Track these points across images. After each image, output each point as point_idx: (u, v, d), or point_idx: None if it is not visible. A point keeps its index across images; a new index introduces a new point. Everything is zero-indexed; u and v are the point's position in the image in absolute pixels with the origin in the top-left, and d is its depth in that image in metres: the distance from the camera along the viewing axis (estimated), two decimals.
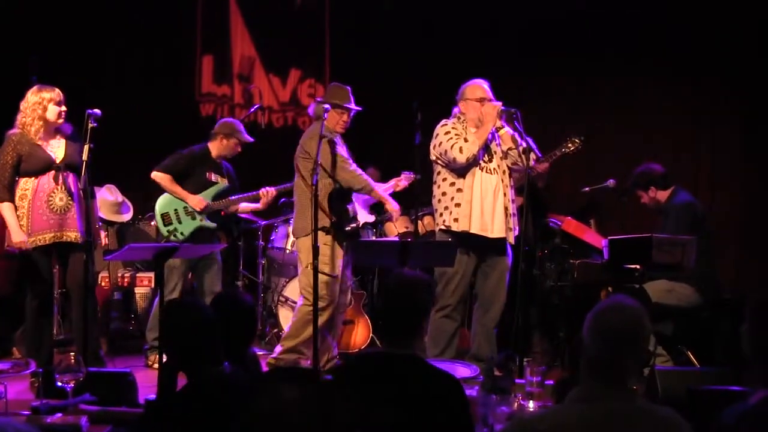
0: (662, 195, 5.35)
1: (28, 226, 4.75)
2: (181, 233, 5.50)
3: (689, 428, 2.11)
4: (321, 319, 5.00)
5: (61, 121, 4.85)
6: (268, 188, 5.59)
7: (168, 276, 5.52)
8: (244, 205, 5.72)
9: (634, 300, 2.24)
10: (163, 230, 5.49)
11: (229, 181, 5.70)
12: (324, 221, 4.96)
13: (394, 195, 5.62)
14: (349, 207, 5.12)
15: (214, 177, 5.62)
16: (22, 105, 4.81)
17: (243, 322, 3.13)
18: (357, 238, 5.26)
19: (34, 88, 4.83)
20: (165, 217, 5.52)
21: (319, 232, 4.93)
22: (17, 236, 4.73)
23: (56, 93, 4.82)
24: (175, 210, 5.54)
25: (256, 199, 5.64)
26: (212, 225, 5.62)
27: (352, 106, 5.16)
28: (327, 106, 5.00)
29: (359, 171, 5.06)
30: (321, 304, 4.98)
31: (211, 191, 5.59)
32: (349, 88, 5.24)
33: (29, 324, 4.90)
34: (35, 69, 5.73)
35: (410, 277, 2.90)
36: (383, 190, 5.41)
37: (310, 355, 5.13)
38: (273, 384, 1.68)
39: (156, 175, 5.52)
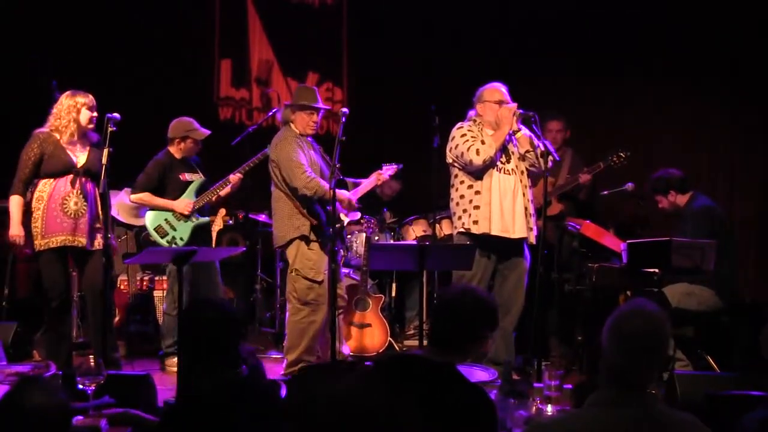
0: (681, 199, 5.32)
1: (42, 227, 4.80)
2: (181, 238, 5.50)
3: None
4: (314, 326, 5.01)
5: (91, 126, 4.92)
6: (234, 175, 5.60)
7: (172, 282, 5.56)
8: (225, 189, 5.68)
9: (654, 304, 2.22)
10: (163, 242, 5.48)
11: (203, 173, 5.67)
12: (305, 226, 4.97)
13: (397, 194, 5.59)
14: (329, 209, 5.07)
15: (188, 176, 5.59)
16: (56, 108, 4.87)
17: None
18: (341, 239, 5.23)
19: (68, 92, 4.89)
20: (159, 230, 5.50)
21: (302, 239, 4.95)
22: (14, 229, 4.78)
23: (90, 99, 4.90)
24: (166, 220, 5.51)
25: (227, 184, 5.62)
26: (206, 219, 5.63)
27: (321, 105, 5.13)
28: (345, 110, 5.00)
29: (311, 176, 4.92)
30: (308, 309, 4.99)
31: (192, 190, 5.57)
32: (315, 87, 5.23)
33: (48, 325, 4.95)
34: (47, 72, 5.76)
35: (483, 295, 2.83)
36: (363, 186, 5.36)
37: (313, 361, 5.12)
38: (344, 373, 1.70)
39: (135, 198, 5.52)
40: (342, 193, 5.09)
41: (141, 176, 5.53)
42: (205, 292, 5.50)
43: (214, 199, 5.68)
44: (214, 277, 5.60)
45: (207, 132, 5.61)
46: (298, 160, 4.91)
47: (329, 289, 4.70)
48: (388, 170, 5.43)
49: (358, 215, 5.43)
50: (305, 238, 4.98)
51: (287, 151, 4.97)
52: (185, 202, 5.52)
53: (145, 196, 5.50)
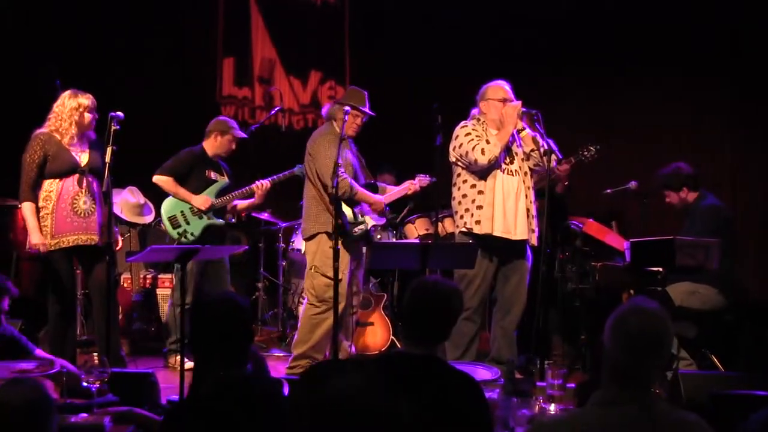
0: (692, 196, 5.29)
1: (51, 227, 4.79)
2: (191, 234, 5.52)
3: None
4: (327, 324, 5.01)
5: (92, 128, 4.93)
6: (261, 181, 5.59)
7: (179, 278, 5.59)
8: (242, 202, 5.71)
9: (655, 303, 2.22)
10: (173, 233, 5.50)
11: (228, 178, 5.72)
12: (329, 223, 4.96)
13: (411, 197, 5.61)
14: (356, 210, 5.10)
15: (213, 175, 5.64)
16: (57, 108, 4.85)
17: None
18: (364, 241, 5.24)
19: (69, 92, 4.87)
20: (172, 220, 5.53)
21: (326, 235, 4.97)
22: (36, 237, 4.75)
23: (91, 100, 4.89)
24: (182, 212, 5.54)
25: (252, 194, 5.63)
26: (220, 222, 5.64)
27: (367, 110, 5.14)
28: (347, 108, 5.01)
29: (343, 176, 4.94)
30: (324, 306, 5.00)
31: (213, 189, 5.61)
32: (366, 92, 5.23)
33: (52, 325, 4.95)
34: (54, 73, 5.78)
35: (444, 282, 2.89)
36: (395, 192, 5.37)
37: (320, 359, 5.13)
38: (335, 372, 1.69)
39: (158, 179, 5.54)
40: (374, 197, 5.12)
41: (171, 161, 5.57)
42: (213, 286, 5.55)
43: (230, 205, 5.70)
44: (224, 275, 5.64)
45: (244, 135, 5.71)
46: (334, 157, 4.91)
47: (334, 290, 4.69)
48: (421, 181, 5.42)
49: (384, 220, 5.43)
50: (328, 235, 4.97)
51: (325, 147, 4.98)
52: (204, 198, 5.56)
53: (169, 182, 5.54)
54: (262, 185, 5.55)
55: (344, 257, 5.00)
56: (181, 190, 5.53)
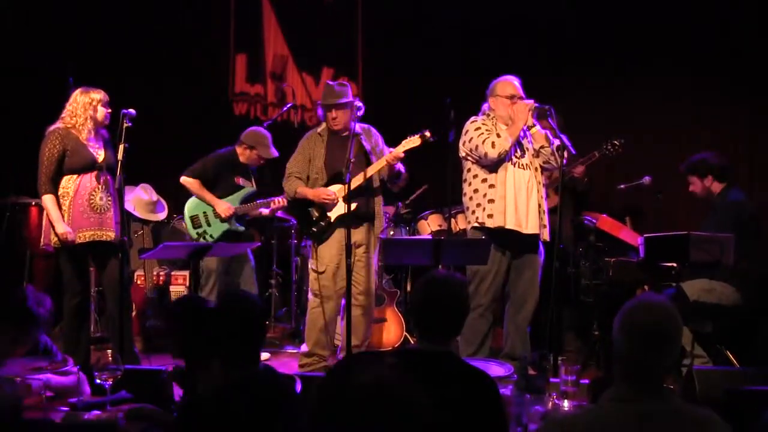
0: (716, 187, 5.19)
1: (68, 223, 4.82)
2: (210, 236, 5.57)
3: (728, 429, 2.08)
4: (322, 319, 5.09)
5: (107, 122, 4.95)
6: (279, 198, 5.64)
7: (205, 278, 5.61)
8: (262, 210, 5.79)
9: (663, 297, 2.21)
10: (192, 233, 5.55)
11: (255, 184, 5.76)
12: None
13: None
14: (310, 209, 5.13)
15: (242, 181, 5.68)
16: (70, 106, 4.88)
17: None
18: (325, 236, 5.19)
19: (80, 89, 4.91)
20: (194, 219, 5.59)
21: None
22: (61, 227, 4.74)
23: (104, 94, 4.92)
24: (204, 213, 5.60)
25: (269, 205, 5.72)
26: (241, 228, 5.69)
27: (330, 101, 5.13)
28: (361, 104, 5.04)
29: (287, 179, 5.14)
30: (318, 300, 5.08)
31: (239, 195, 5.65)
32: (333, 83, 5.31)
33: (67, 322, 4.98)
34: (68, 70, 5.80)
35: (453, 276, 2.89)
36: (372, 167, 5.18)
37: (327, 356, 5.15)
38: (367, 363, 1.69)
39: (185, 180, 5.61)
40: (311, 192, 5.07)
41: (199, 163, 5.62)
42: (241, 285, 5.61)
43: (252, 213, 5.73)
44: (249, 271, 5.71)
45: (275, 154, 5.67)
46: (290, 163, 5.17)
47: (347, 285, 4.69)
48: (412, 140, 5.03)
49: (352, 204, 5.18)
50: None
51: (296, 152, 5.20)
52: (227, 205, 5.60)
53: (195, 184, 5.59)
54: (278, 202, 5.66)
55: (327, 249, 5.09)
56: (207, 193, 5.58)
